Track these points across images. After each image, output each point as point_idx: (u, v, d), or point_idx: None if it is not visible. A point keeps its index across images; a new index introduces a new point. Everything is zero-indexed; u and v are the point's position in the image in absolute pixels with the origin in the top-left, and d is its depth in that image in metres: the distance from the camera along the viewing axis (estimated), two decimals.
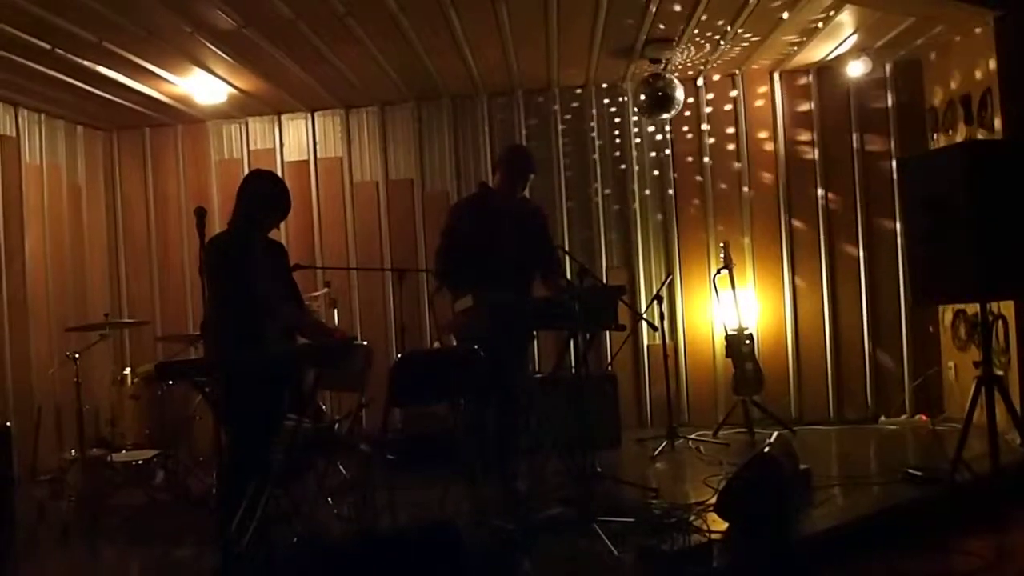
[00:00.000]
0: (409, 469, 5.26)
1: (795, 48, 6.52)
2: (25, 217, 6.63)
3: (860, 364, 7.04)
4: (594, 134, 7.33)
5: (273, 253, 4.31)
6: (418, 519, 4.22)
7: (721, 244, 6.74)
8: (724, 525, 3.97)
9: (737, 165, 7.20)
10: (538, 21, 5.68)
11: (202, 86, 6.49)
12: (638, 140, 7.30)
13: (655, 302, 6.46)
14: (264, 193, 4.19)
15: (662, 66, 6.56)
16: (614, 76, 7.16)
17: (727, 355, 6.62)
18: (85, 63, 5.76)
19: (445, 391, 4.40)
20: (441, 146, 7.45)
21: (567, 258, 5.98)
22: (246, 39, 5.54)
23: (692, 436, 6.34)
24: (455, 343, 5.00)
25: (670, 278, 7.12)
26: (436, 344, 6.74)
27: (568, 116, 7.36)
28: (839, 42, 6.41)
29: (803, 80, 7.13)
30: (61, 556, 4.51)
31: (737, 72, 7.14)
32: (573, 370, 4.56)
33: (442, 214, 5.75)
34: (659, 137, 7.28)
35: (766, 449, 4.18)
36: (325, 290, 6.09)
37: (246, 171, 6.94)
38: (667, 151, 7.27)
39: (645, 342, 7.22)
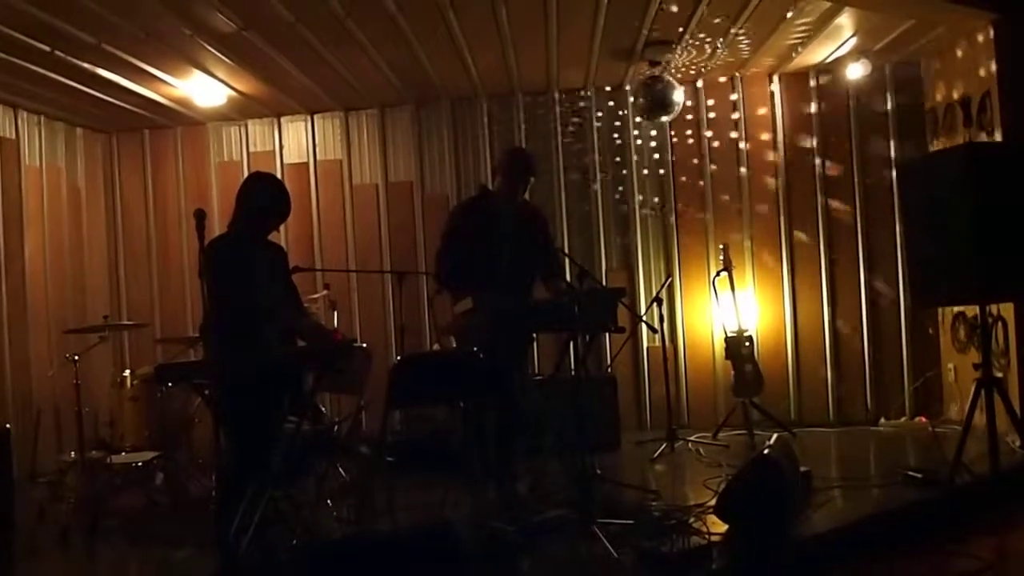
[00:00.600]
0: (409, 471, 5.25)
1: (795, 51, 6.52)
2: (25, 219, 6.63)
3: (860, 366, 7.04)
4: (594, 136, 7.34)
5: (273, 255, 4.31)
6: (418, 521, 4.22)
7: (721, 246, 6.74)
8: (724, 527, 3.96)
9: (737, 167, 7.20)
10: (537, 23, 5.69)
11: (202, 88, 6.49)
12: (638, 142, 7.31)
13: (655, 304, 6.46)
14: (264, 195, 4.19)
15: (662, 68, 6.57)
16: (614, 78, 7.17)
17: (727, 357, 6.62)
18: (85, 65, 5.76)
19: (445, 393, 4.40)
20: (441, 148, 7.45)
21: (567, 260, 5.98)
22: (246, 41, 5.54)
23: (692, 438, 6.33)
24: (455, 345, 5.00)
25: (670, 280, 7.12)
26: (436, 346, 6.74)
27: (567, 118, 7.36)
28: (839, 44, 6.41)
29: (803, 83, 7.13)
30: (60, 558, 4.50)
31: (737, 74, 7.15)
32: (573, 372, 4.55)
33: (442, 216, 5.76)
34: (659, 139, 7.29)
35: (766, 451, 4.17)
36: (325, 292, 6.09)
37: (246, 173, 6.94)
38: (667, 153, 7.28)
39: (645, 344, 7.22)
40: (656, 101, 6.62)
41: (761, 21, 5.80)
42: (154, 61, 5.85)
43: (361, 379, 5.15)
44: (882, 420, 6.86)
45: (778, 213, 7.14)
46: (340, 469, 5.03)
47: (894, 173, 6.71)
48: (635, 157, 7.31)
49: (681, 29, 5.92)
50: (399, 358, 4.50)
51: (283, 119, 7.58)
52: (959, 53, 6.19)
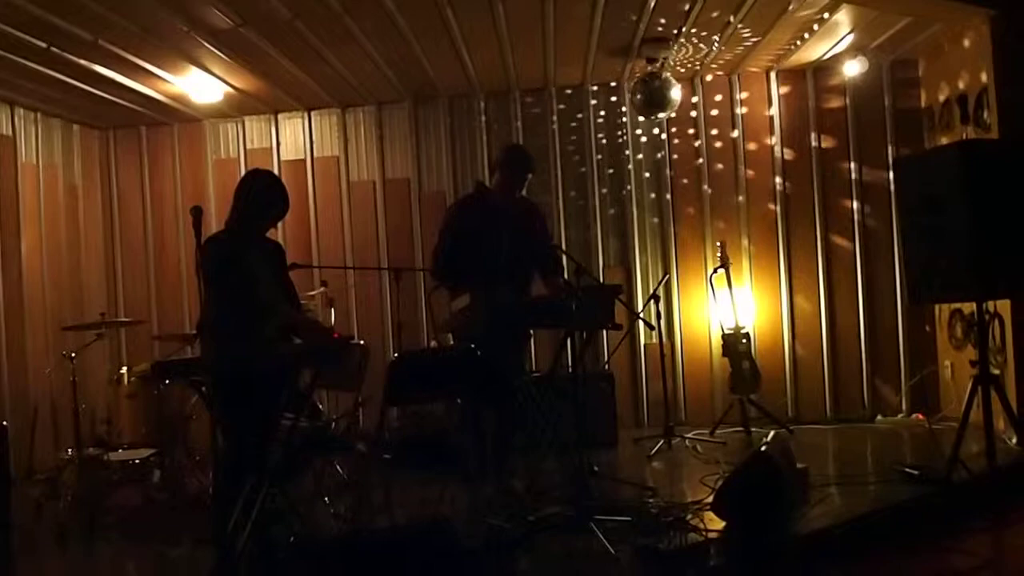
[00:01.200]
0: (406, 468, 5.26)
1: (792, 47, 6.52)
2: (21, 216, 6.62)
3: (857, 363, 7.05)
4: (591, 133, 7.33)
5: (270, 252, 4.31)
6: (415, 518, 4.22)
7: (718, 243, 6.74)
8: (721, 524, 3.96)
9: (734, 164, 7.20)
10: (535, 20, 5.68)
11: (198, 85, 6.48)
12: (635, 140, 7.31)
13: (652, 301, 6.45)
14: (262, 192, 4.18)
15: (659, 65, 6.56)
16: (611, 75, 7.16)
17: (724, 354, 6.62)
18: (81, 62, 5.75)
19: (442, 390, 4.40)
20: (438, 145, 7.45)
21: (564, 257, 5.98)
22: (243, 38, 5.53)
23: (689, 435, 6.33)
24: (452, 342, 5.00)
25: (667, 277, 7.12)
26: (433, 343, 6.74)
27: (565, 115, 7.36)
28: (836, 41, 6.41)
29: (800, 79, 7.13)
30: (58, 555, 4.50)
31: (734, 72, 7.15)
32: (570, 369, 4.56)
33: (439, 213, 5.75)
34: (656, 136, 7.29)
35: (763, 448, 4.18)
36: (322, 289, 6.09)
37: (243, 170, 6.96)
38: (664, 150, 7.28)
39: (642, 341, 7.22)
40: (653, 98, 6.61)
41: (759, 16, 5.80)
42: (151, 57, 5.84)
43: (358, 376, 5.15)
44: (879, 417, 6.86)
45: (775, 210, 7.14)
46: (337, 466, 5.03)
47: (891, 170, 6.70)
48: (632, 154, 7.30)
49: (678, 27, 5.92)
50: (396, 355, 4.50)
51: (280, 116, 7.57)
52: (956, 50, 6.19)
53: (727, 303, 6.63)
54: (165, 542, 4.42)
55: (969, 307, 6.02)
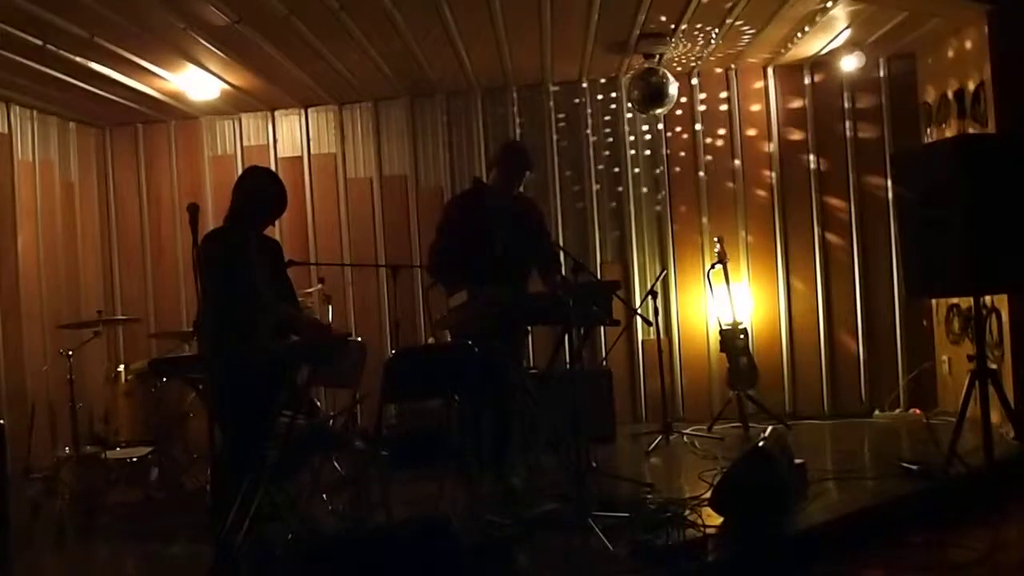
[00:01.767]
0: (404, 465, 5.24)
1: (789, 43, 6.52)
2: (18, 214, 6.61)
3: (854, 358, 7.05)
4: (588, 129, 7.33)
5: (267, 250, 4.30)
6: (413, 515, 4.21)
7: (715, 239, 6.74)
8: (719, 520, 3.96)
9: (731, 160, 7.20)
10: (531, 15, 5.67)
11: (195, 82, 6.47)
12: (632, 135, 7.30)
13: (650, 297, 6.44)
14: (260, 190, 4.19)
15: (656, 61, 6.56)
16: (608, 71, 7.16)
17: (721, 350, 6.63)
18: (77, 59, 5.73)
19: (440, 387, 4.40)
20: (435, 142, 7.44)
21: (561, 253, 5.97)
22: (239, 35, 5.52)
23: (687, 431, 6.33)
24: (450, 339, 5.00)
25: (664, 273, 7.12)
26: (430, 340, 6.73)
27: (562, 111, 7.35)
28: (833, 36, 6.41)
29: (797, 75, 7.13)
30: (55, 554, 4.50)
31: (731, 67, 7.14)
32: (568, 365, 4.55)
33: (436, 210, 5.75)
34: (653, 132, 7.28)
35: (761, 443, 4.18)
36: (319, 286, 6.09)
37: (239, 167, 6.96)
38: (661, 146, 7.27)
39: (640, 337, 7.22)
40: (651, 94, 6.60)
41: (757, 11, 5.79)
42: (147, 55, 5.82)
43: (356, 373, 5.14)
44: (877, 412, 6.87)
45: (772, 206, 7.14)
46: (335, 463, 5.03)
47: (888, 164, 6.70)
48: (630, 150, 7.30)
49: (675, 22, 5.91)
50: (394, 352, 4.50)
51: (277, 113, 7.56)
52: (953, 45, 6.19)
53: (724, 298, 6.63)
54: (163, 540, 4.41)
55: (966, 302, 6.03)
